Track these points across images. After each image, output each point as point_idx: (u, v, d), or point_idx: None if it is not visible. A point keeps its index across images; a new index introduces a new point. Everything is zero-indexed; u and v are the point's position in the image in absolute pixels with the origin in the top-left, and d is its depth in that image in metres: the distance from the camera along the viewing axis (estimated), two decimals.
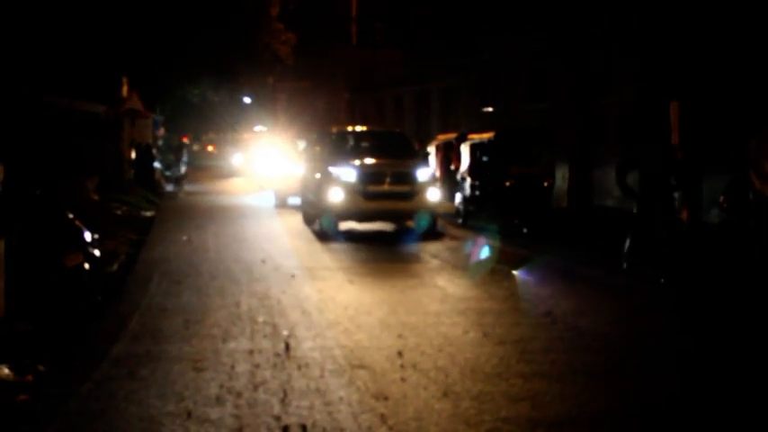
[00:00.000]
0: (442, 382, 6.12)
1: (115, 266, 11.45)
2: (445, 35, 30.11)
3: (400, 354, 6.91)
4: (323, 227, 15.64)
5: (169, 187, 29.92)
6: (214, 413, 5.42)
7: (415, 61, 34.12)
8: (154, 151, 29.94)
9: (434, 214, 15.64)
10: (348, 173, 15.18)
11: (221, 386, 6.00)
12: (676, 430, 5.27)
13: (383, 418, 5.33)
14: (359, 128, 23.50)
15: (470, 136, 19.14)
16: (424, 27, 33.49)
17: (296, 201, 20.57)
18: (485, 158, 17.52)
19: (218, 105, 44.12)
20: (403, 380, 6.18)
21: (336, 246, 14.23)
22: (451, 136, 21.39)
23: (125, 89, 26.14)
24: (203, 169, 44.65)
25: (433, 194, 15.52)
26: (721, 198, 11.14)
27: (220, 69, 31.16)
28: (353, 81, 41.11)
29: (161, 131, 37.02)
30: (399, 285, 10.34)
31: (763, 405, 5.81)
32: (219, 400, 5.68)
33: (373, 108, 39.37)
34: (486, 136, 17.95)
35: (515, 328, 8.03)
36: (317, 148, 17.35)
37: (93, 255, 9.77)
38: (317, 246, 14.44)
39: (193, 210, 21.94)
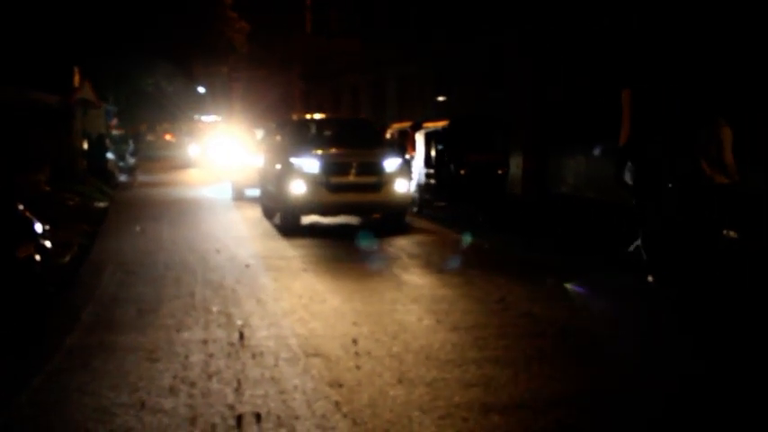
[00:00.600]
0: (397, 368, 6.17)
1: (68, 258, 11.32)
2: (401, 24, 30.11)
3: (355, 341, 6.95)
4: (283, 221, 14.84)
5: (123, 178, 29.64)
6: (168, 403, 5.41)
7: (370, 50, 34.08)
8: (107, 141, 29.60)
9: (403, 207, 14.96)
10: (310, 163, 14.28)
11: (175, 376, 5.99)
12: (630, 414, 5.36)
13: (338, 405, 5.36)
14: (321, 116, 22.79)
15: (425, 124, 19.17)
16: (379, 15, 33.44)
17: (254, 193, 19.67)
18: (439, 147, 17.59)
19: (172, 95, 43.77)
20: (357, 367, 6.22)
21: (296, 239, 13.49)
22: (406, 124, 21.42)
23: (77, 78, 25.79)
24: (158, 160, 44.22)
25: (401, 186, 14.58)
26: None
27: (174, 58, 30.90)
28: (309, 69, 40.94)
29: (114, 121, 36.59)
30: (354, 274, 10.35)
31: (715, 380, 5.94)
32: (173, 391, 5.67)
33: (329, 96, 39.27)
34: (440, 124, 18.01)
35: (469, 315, 8.10)
36: (278, 138, 16.43)
37: (45, 246, 9.64)
38: (276, 238, 13.90)
39: (148, 202, 21.51)
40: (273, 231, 14.74)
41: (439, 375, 6.01)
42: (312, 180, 14.08)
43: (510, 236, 14.10)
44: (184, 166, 39.62)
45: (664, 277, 9.54)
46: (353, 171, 14.29)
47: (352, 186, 14.26)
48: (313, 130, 16.74)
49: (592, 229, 13.91)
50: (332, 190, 14.11)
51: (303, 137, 15.96)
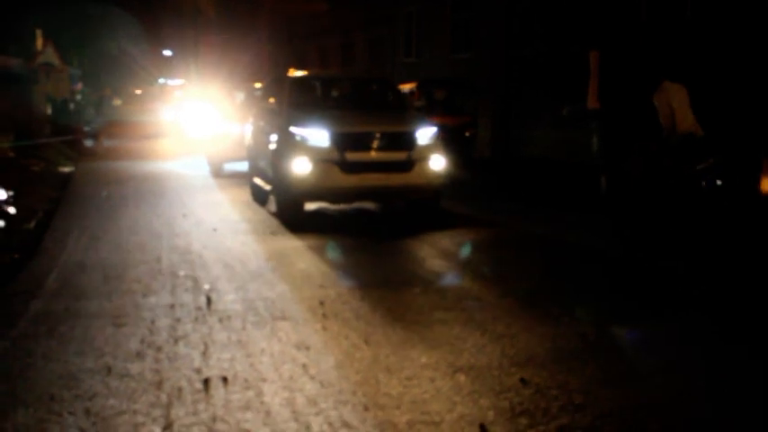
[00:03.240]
0: (363, 330, 6.19)
1: (32, 224, 11.21)
2: None
3: (322, 303, 6.95)
4: (281, 209, 11.46)
5: (88, 143, 29.31)
6: (134, 368, 5.39)
7: (339, 13, 33.83)
8: (71, 106, 29.23)
9: (438, 191, 11.62)
10: (318, 135, 10.88)
11: (142, 341, 5.96)
12: (590, 370, 5.42)
13: (305, 367, 5.37)
14: (328, 73, 18.98)
15: None
16: None
17: (235, 167, 17.67)
18: None
19: (139, 58, 43.23)
20: (324, 329, 6.23)
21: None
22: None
23: (39, 41, 25.40)
24: (125, 125, 43.28)
25: (437, 163, 11.25)
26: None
27: (140, 21, 30.49)
28: (276, 33, 40.63)
29: (79, 85, 36.14)
30: (324, 235, 10.34)
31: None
32: (140, 355, 5.64)
33: (295, 60, 39.01)
34: (407, 87, 17.95)
35: (436, 276, 8.14)
36: (271, 101, 12.89)
37: (8, 212, 9.55)
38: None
39: (112, 179, 19.67)
40: (273, 222, 11.54)
41: (405, 336, 6.04)
42: (321, 157, 10.79)
43: (469, 197, 14.13)
44: (155, 134, 34.74)
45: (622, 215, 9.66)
46: (376, 145, 10.96)
47: (375, 165, 10.93)
48: (318, 91, 13.50)
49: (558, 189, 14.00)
50: (347, 170, 10.78)
51: (306, 100, 12.81)
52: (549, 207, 12.68)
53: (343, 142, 10.83)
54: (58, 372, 5.34)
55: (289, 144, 11.03)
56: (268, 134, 12.06)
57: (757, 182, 9.36)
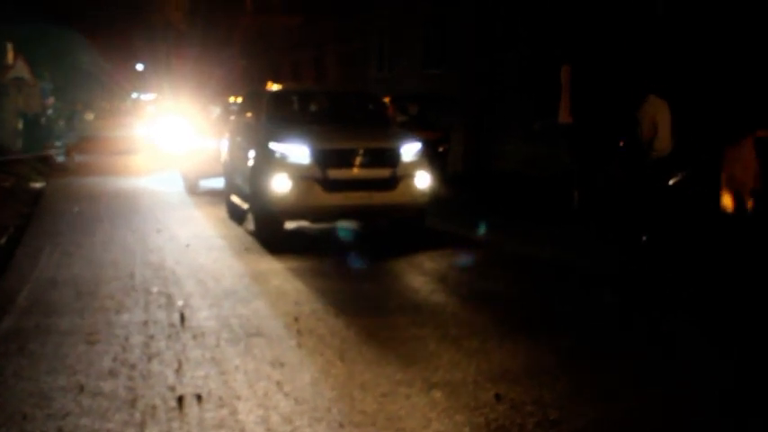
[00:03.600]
0: (338, 347, 6.18)
1: (3, 240, 11.11)
2: (342, 1, 29.98)
3: (296, 320, 6.94)
4: (259, 227, 11.04)
5: (60, 158, 29.09)
6: (107, 386, 5.35)
7: (312, 26, 33.88)
8: (42, 120, 29.03)
9: (423, 209, 11.12)
10: (298, 151, 10.40)
11: (115, 359, 5.92)
12: (565, 384, 5.44)
13: (279, 384, 5.36)
14: (308, 87, 18.19)
15: None
16: None
17: (211, 184, 16.99)
18: None
19: (112, 72, 43.03)
20: (299, 345, 6.21)
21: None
22: None
23: (10, 55, 25.24)
24: (97, 140, 42.69)
25: (422, 180, 10.78)
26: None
27: (112, 35, 30.39)
28: (250, 47, 40.58)
29: (50, 100, 35.90)
30: (296, 252, 10.28)
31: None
32: (113, 373, 5.60)
33: (269, 73, 38.94)
34: None
35: (408, 293, 8.17)
36: (249, 115, 12.28)
37: None
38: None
39: (84, 195, 18.06)
40: (251, 241, 11.11)
41: (380, 353, 6.04)
42: (301, 174, 10.32)
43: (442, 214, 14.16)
44: (128, 149, 31.72)
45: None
46: (359, 161, 10.47)
47: (358, 183, 10.45)
48: (296, 105, 12.85)
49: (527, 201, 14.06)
50: (329, 188, 10.31)
51: (285, 114, 12.16)
52: (527, 221, 12.67)
53: (325, 159, 10.36)
54: (29, 390, 5.29)
55: (268, 160, 10.55)
56: (246, 150, 11.55)
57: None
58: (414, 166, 10.72)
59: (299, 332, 6.57)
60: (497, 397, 5.15)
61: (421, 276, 8.94)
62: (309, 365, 5.75)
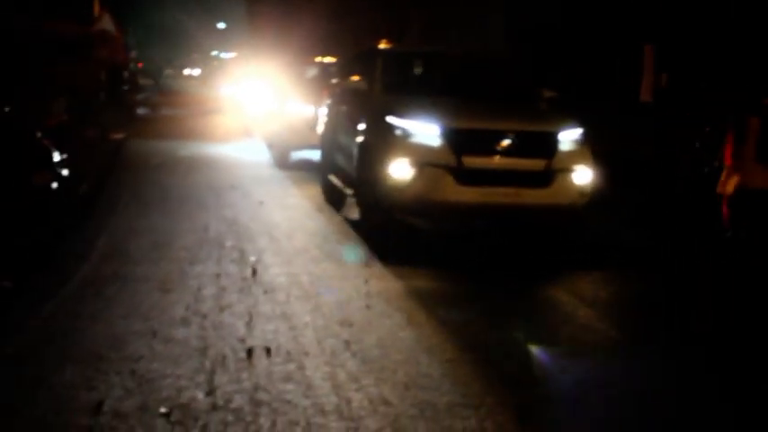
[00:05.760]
0: (406, 311, 6.21)
1: (84, 187, 11.37)
2: None
3: (366, 282, 6.99)
4: (367, 219, 8.94)
5: (142, 111, 29.60)
6: (179, 333, 5.47)
7: None
8: (125, 74, 29.52)
9: (579, 212, 8.50)
10: (426, 130, 8.14)
11: (187, 308, 6.04)
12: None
13: (347, 343, 5.41)
14: (436, 49, 13.97)
15: None
16: None
17: (304, 155, 14.38)
18: None
19: (191, 29, 43.48)
20: (368, 307, 6.26)
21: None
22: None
23: (96, 8, 25.67)
24: (179, 94, 42.85)
25: (583, 176, 8.30)
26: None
27: None
28: (332, 7, 40.23)
29: (133, 54, 36.51)
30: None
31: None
32: (185, 322, 5.72)
33: (356, 35, 38.47)
34: None
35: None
36: (359, 80, 9.82)
37: (62, 175, 9.68)
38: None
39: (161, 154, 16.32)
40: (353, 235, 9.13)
41: (448, 318, 6.06)
42: (429, 159, 8.03)
43: None
44: (210, 108, 30.09)
45: None
46: (505, 148, 8.07)
47: (502, 176, 8.07)
48: (421, 70, 10.51)
49: None
50: (464, 180, 7.96)
51: (405, 81, 10.01)
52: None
53: (461, 142, 8.02)
54: (104, 333, 5.44)
55: (384, 139, 8.35)
56: (353, 123, 9.49)
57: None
58: (574, 157, 8.28)
59: (367, 294, 6.62)
60: None
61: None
62: (377, 327, 5.79)
